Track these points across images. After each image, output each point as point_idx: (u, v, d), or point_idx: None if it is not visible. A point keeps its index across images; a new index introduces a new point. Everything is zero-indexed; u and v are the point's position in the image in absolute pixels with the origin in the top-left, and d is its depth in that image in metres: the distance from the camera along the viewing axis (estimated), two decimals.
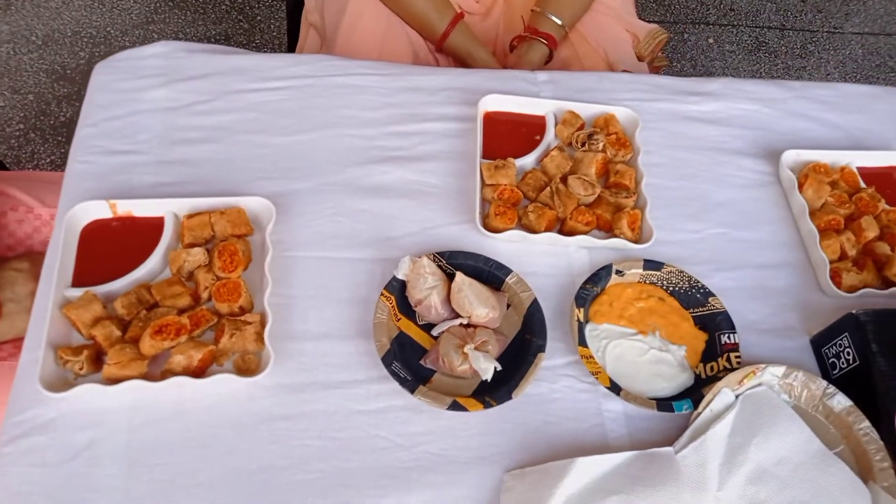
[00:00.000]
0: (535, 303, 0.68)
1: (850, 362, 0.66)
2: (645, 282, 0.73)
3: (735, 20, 2.15)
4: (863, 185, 0.82)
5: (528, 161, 0.78)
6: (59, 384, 0.59)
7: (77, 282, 0.65)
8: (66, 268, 0.65)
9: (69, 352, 0.59)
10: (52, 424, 0.59)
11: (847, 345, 0.67)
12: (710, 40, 2.10)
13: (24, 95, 1.63)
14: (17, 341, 0.78)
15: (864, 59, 2.16)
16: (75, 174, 0.72)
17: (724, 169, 0.83)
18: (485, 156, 0.77)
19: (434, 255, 0.69)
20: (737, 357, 0.67)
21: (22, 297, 0.77)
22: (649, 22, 1.16)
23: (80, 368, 0.59)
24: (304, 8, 1.15)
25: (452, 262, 0.69)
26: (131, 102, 0.78)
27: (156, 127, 0.77)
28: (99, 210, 0.68)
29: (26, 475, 0.57)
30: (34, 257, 0.81)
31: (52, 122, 1.60)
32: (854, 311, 0.66)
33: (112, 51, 1.66)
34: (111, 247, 0.67)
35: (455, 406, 0.62)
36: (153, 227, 0.68)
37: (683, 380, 0.68)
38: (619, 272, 0.72)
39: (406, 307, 0.68)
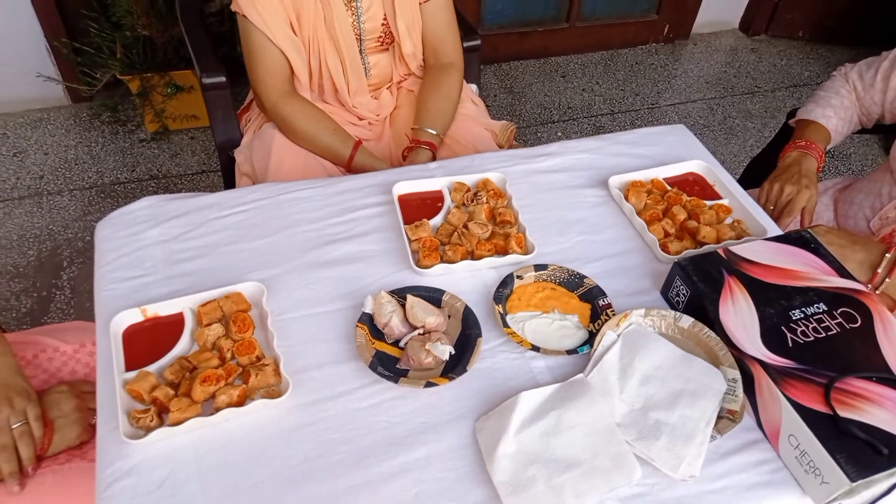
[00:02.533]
0: (466, 308, 0.95)
1: (685, 294, 0.96)
2: (539, 280, 1.01)
3: (574, 115, 2.65)
4: (668, 188, 1.17)
5: (437, 220, 1.08)
6: (136, 437, 0.78)
7: (129, 368, 0.85)
8: (119, 360, 0.86)
9: (139, 412, 0.79)
10: (135, 468, 0.77)
11: (679, 284, 0.97)
12: (559, 133, 2.56)
13: None
14: (70, 449, 0.95)
15: (681, 122, 2.69)
16: (104, 300, 0.94)
17: (573, 199, 1.16)
18: (405, 223, 1.06)
19: (388, 292, 0.95)
20: (612, 311, 0.96)
21: (67, 412, 0.95)
22: None
23: (151, 421, 0.79)
24: (235, 164, 1.44)
25: (402, 294, 0.95)
26: (133, 243, 1.02)
27: (157, 255, 1.01)
28: (133, 316, 0.90)
29: None
30: (68, 382, 0.99)
31: (14, 314, 1.76)
32: (677, 260, 0.97)
33: (57, 244, 1.89)
34: (148, 339, 0.89)
35: (429, 384, 0.86)
36: (176, 321, 0.91)
37: (581, 336, 0.95)
38: (519, 277, 1.00)
39: (377, 332, 0.93)
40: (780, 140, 1.39)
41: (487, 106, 1.56)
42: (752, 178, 1.37)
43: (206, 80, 1.39)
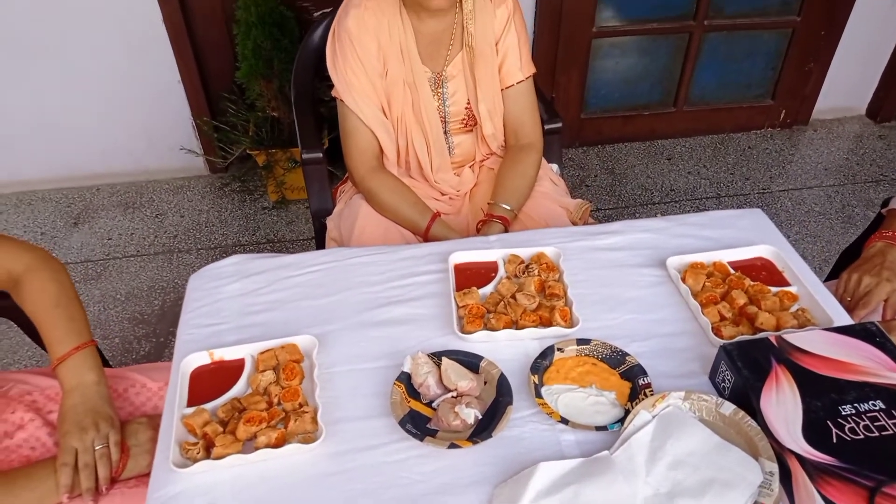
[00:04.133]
0: (502, 375, 0.98)
1: (730, 380, 0.93)
2: (580, 354, 1.02)
3: (676, 197, 2.61)
4: (732, 271, 1.14)
5: (487, 289, 1.12)
6: (184, 466, 0.87)
7: (190, 404, 0.96)
8: (183, 397, 0.96)
9: (190, 444, 0.89)
10: (181, 494, 0.86)
11: (725, 369, 0.94)
12: (657, 215, 2.53)
13: (111, 339, 2.04)
14: (140, 476, 1.06)
15: (794, 209, 2.56)
16: (181, 343, 1.07)
17: (630, 277, 1.16)
18: (457, 290, 1.11)
19: (427, 354, 1.00)
20: (650, 391, 0.95)
21: (143, 442, 1.06)
22: (605, 208, 1.57)
23: (198, 453, 0.88)
24: (326, 230, 1.58)
25: (440, 356, 1.00)
26: (215, 294, 1.15)
27: (233, 307, 1.13)
28: (201, 358, 1.01)
29: None
30: (149, 415, 1.12)
31: (133, 356, 1.98)
32: (723, 344, 0.95)
33: (180, 296, 2.12)
34: (212, 381, 0.99)
35: (453, 446, 0.88)
36: (238, 366, 1.01)
37: (616, 413, 0.94)
38: (560, 349, 1.02)
39: (413, 392, 0.97)
40: (872, 230, 1.31)
41: (587, 187, 1.61)
42: (841, 268, 1.30)
43: (306, 156, 1.55)
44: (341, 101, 1.44)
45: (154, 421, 1.10)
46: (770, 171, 2.73)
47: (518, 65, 1.49)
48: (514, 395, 0.95)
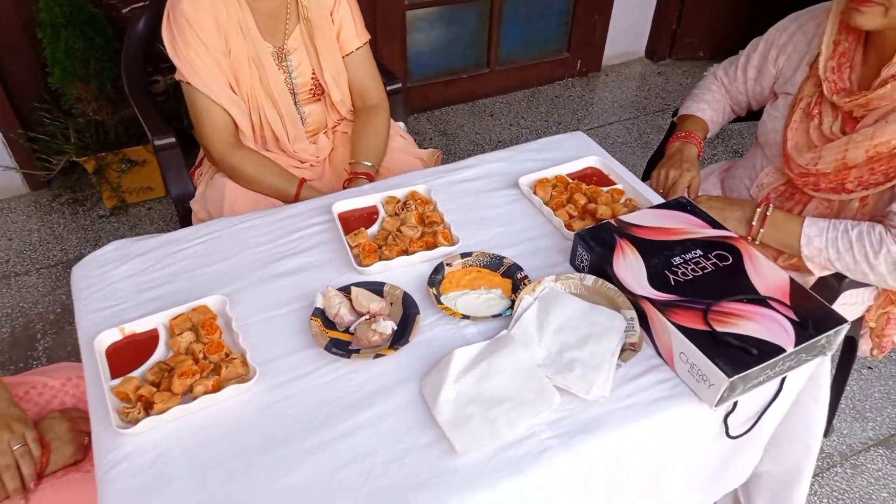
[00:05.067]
0: (405, 294, 1.10)
1: (587, 259, 1.13)
2: (466, 265, 1.17)
3: (504, 146, 2.87)
4: (570, 181, 1.36)
5: (373, 229, 1.24)
6: (127, 428, 0.90)
7: (114, 377, 0.98)
8: (105, 371, 0.98)
9: (127, 408, 0.92)
10: (129, 455, 0.89)
11: (581, 252, 1.14)
12: None
13: None
14: (66, 467, 1.06)
15: (602, 142, 2.92)
16: (85, 328, 1.07)
17: (491, 200, 1.33)
18: (346, 233, 1.21)
19: (335, 288, 1.10)
20: (528, 281, 1.12)
21: (61, 434, 1.06)
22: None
23: (139, 414, 0.91)
24: (192, 214, 1.59)
25: (347, 289, 1.10)
26: (105, 280, 1.15)
27: (128, 287, 1.14)
28: (112, 335, 1.03)
29: (125, 487, 0.86)
30: (59, 410, 1.11)
31: None
32: (576, 231, 1.15)
33: (29, 319, 2.00)
34: (129, 354, 1.01)
35: (378, 356, 1.00)
36: (152, 336, 1.04)
37: (504, 304, 1.11)
38: (448, 265, 1.16)
39: (329, 323, 1.07)
40: (670, 136, 1.60)
41: (424, 149, 1.75)
42: (651, 170, 1.58)
43: (158, 142, 1.55)
44: (188, 83, 1.46)
45: (67, 413, 1.10)
46: (577, 115, 3.08)
47: (354, 32, 1.60)
48: (419, 307, 1.08)
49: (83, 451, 1.08)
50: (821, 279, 1.30)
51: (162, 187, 2.44)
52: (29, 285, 2.11)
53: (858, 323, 1.48)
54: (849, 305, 1.40)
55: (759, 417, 1.06)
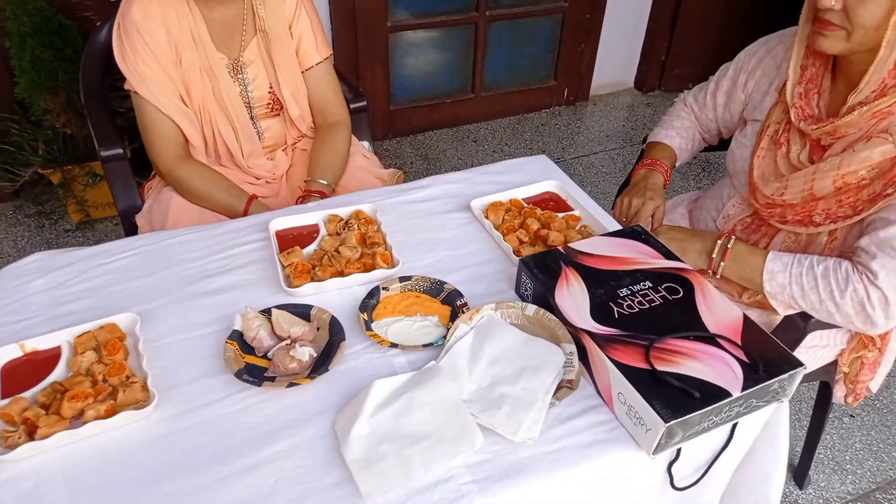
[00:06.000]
0: (333, 318, 1.03)
1: (531, 287, 1.06)
2: (404, 290, 1.10)
3: None
4: (525, 205, 1.29)
5: (310, 248, 1.17)
6: (4, 454, 0.83)
7: (5, 396, 0.90)
8: None
9: (8, 431, 0.84)
10: (4, 483, 0.81)
11: (525, 279, 1.07)
12: None
13: None
14: None
15: (585, 172, 2.86)
16: None
17: (441, 222, 1.27)
18: (280, 252, 1.15)
19: (256, 310, 1.03)
20: (467, 308, 1.05)
21: None
22: None
23: (19, 437, 0.84)
24: (138, 229, 1.52)
25: (269, 311, 1.03)
26: (19, 292, 1.08)
27: (41, 301, 1.07)
28: (11, 351, 0.95)
29: None
30: None
31: None
32: (521, 258, 1.08)
33: None
34: (27, 372, 0.94)
35: (291, 384, 0.92)
36: (54, 354, 0.96)
37: (439, 332, 1.03)
38: (385, 288, 1.09)
39: (247, 348, 0.99)
40: (637, 164, 1.53)
41: (405, 173, 1.69)
42: None
43: (105, 153, 1.49)
44: (135, 93, 1.41)
45: None
46: (562, 143, 3.03)
47: (314, 47, 1.55)
48: (346, 333, 1.01)
49: None
50: (786, 318, 1.22)
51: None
52: None
53: (833, 368, 1.40)
54: (819, 348, 1.32)
55: (709, 468, 0.98)
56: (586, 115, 3.23)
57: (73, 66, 2.11)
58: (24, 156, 2.22)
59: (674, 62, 3.32)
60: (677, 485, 0.96)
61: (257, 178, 1.59)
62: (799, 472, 1.68)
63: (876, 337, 1.29)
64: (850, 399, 1.40)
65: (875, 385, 1.39)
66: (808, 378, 1.41)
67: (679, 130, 1.50)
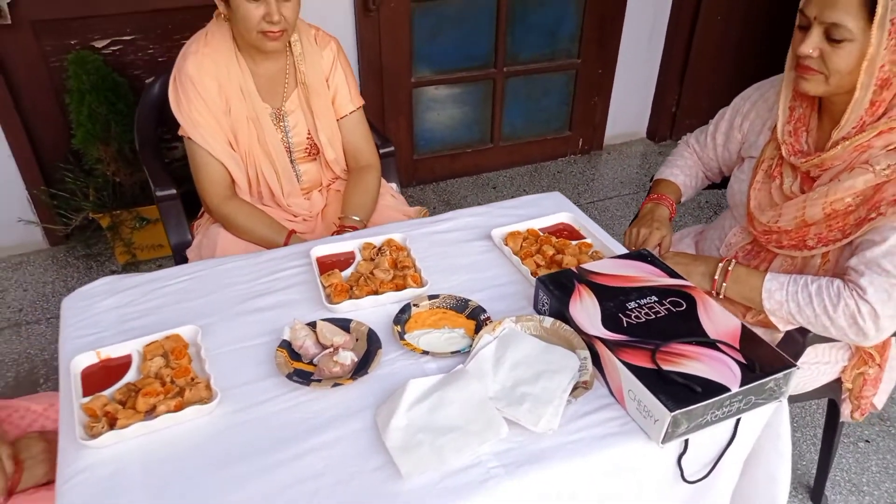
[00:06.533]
0: (370, 330, 1.15)
1: (547, 303, 1.18)
2: (433, 307, 1.22)
3: None
4: (541, 234, 1.42)
5: (347, 272, 1.30)
6: (89, 439, 0.94)
7: (86, 395, 1.03)
8: (77, 389, 1.03)
9: (92, 422, 0.96)
10: (89, 467, 0.93)
11: (542, 296, 1.19)
12: None
13: None
14: (38, 486, 1.09)
15: (601, 216, 2.99)
16: (66, 352, 1.12)
17: (464, 250, 1.40)
18: (321, 274, 1.28)
19: (303, 322, 1.15)
20: (490, 321, 1.16)
21: (36, 454, 1.10)
22: None
23: (102, 428, 0.96)
24: (188, 262, 1.67)
25: (314, 324, 1.15)
26: (91, 310, 1.22)
27: (111, 318, 1.20)
28: (89, 358, 1.08)
29: (82, 495, 0.90)
30: (39, 431, 1.15)
31: None
32: (538, 277, 1.20)
33: (34, 365, 2.07)
34: (103, 376, 1.06)
35: (336, 385, 1.04)
36: (126, 362, 1.09)
37: (466, 342, 1.15)
38: (415, 305, 1.21)
39: (295, 355, 1.11)
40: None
41: (429, 213, 1.84)
42: None
43: (160, 193, 1.65)
44: (189, 139, 1.58)
45: (45, 435, 1.14)
46: (577, 189, 3.17)
47: (348, 97, 1.72)
48: (382, 343, 1.13)
49: (55, 473, 1.11)
50: (787, 334, 1.32)
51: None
52: (38, 333, 2.19)
53: (838, 385, 1.48)
54: (822, 364, 1.41)
55: (716, 463, 1.07)
56: (601, 164, 3.38)
57: (125, 119, 2.31)
58: (77, 201, 2.41)
59: (684, 113, 3.48)
60: (688, 478, 1.05)
61: (295, 216, 1.74)
62: (815, 493, 1.73)
63: (875, 353, 1.38)
64: (856, 415, 1.47)
65: (879, 401, 1.46)
66: (815, 395, 1.49)
67: (683, 169, 1.63)
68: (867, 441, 1.94)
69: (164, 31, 2.45)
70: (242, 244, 1.60)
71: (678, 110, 3.49)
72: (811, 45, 1.17)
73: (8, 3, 2.14)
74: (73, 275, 2.51)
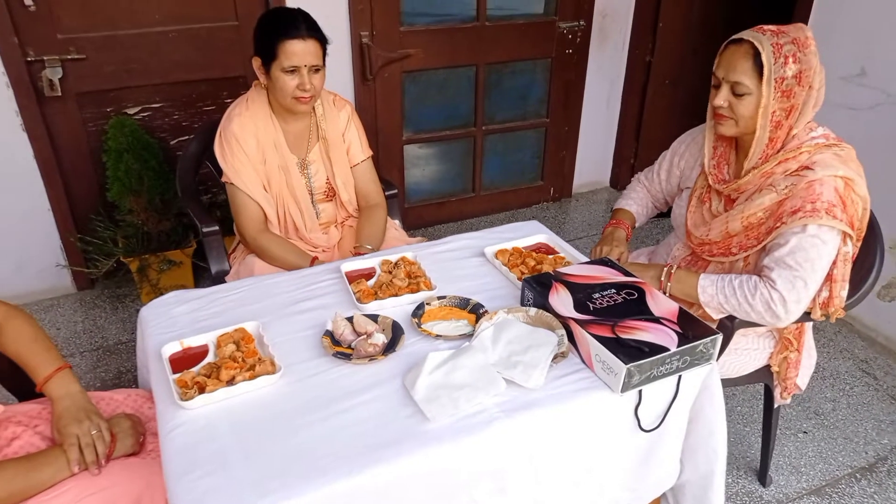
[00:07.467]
0: (394, 322, 1.47)
1: (531, 297, 1.51)
2: (441, 305, 1.55)
3: None
4: (524, 251, 1.76)
5: (371, 282, 1.62)
6: (185, 402, 1.23)
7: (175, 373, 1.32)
8: (168, 369, 1.32)
9: (187, 388, 1.25)
10: (185, 422, 1.22)
11: (527, 292, 1.52)
12: None
13: None
14: (126, 455, 1.36)
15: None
16: (153, 343, 1.42)
17: (462, 264, 1.73)
18: (351, 283, 1.60)
19: (342, 316, 1.46)
20: (487, 313, 1.49)
21: (125, 428, 1.37)
22: None
23: (195, 392, 1.25)
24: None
25: (350, 318, 1.47)
26: (165, 315, 1.52)
27: (185, 320, 1.50)
28: (174, 347, 1.38)
29: (181, 443, 1.18)
30: (124, 413, 1.43)
31: None
32: (524, 278, 1.53)
33: None
34: (186, 361, 1.36)
35: (372, 360, 1.35)
36: (203, 350, 1.39)
37: (470, 329, 1.46)
38: (428, 303, 1.54)
39: (336, 342, 1.42)
40: None
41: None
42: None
43: (206, 229, 1.97)
44: (231, 184, 1.91)
45: (129, 417, 1.42)
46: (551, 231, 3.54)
47: (360, 149, 2.08)
48: (404, 330, 1.44)
49: (139, 446, 1.38)
50: (720, 322, 1.66)
51: (193, 285, 2.84)
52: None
53: (768, 371, 1.81)
54: (752, 350, 1.74)
55: (665, 414, 1.38)
56: (570, 209, 3.78)
57: (155, 175, 2.63)
58: (107, 247, 2.70)
59: (641, 164, 3.90)
60: (644, 427, 1.36)
61: (315, 247, 2.07)
62: (761, 473, 2.04)
63: (793, 339, 1.72)
64: (784, 395, 1.80)
65: (802, 382, 1.79)
66: (751, 380, 1.82)
67: (636, 200, 2.00)
68: (805, 432, 2.26)
69: (188, 100, 2.81)
70: (275, 270, 1.91)
71: (636, 161, 3.92)
72: (722, 98, 1.56)
73: (59, 78, 2.48)
74: (101, 315, 2.77)
